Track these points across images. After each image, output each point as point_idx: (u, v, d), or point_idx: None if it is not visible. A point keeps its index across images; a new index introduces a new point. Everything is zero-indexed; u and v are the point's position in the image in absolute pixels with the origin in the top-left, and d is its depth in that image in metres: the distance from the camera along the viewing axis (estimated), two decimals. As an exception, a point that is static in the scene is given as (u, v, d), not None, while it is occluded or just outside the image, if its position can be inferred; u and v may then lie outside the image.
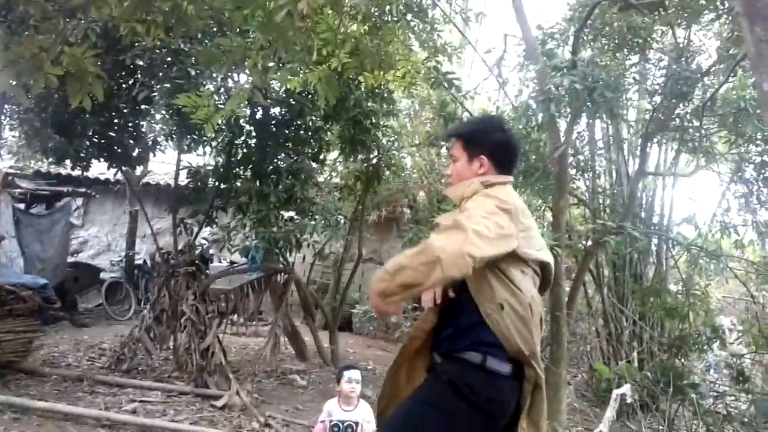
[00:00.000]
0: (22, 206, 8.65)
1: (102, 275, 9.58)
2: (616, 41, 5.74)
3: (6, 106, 5.55)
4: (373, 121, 6.37)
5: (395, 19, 4.51)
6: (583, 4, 5.80)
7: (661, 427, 4.96)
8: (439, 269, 1.64)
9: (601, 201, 8.24)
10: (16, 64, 3.02)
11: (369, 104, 6.17)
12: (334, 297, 8.13)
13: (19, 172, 9.34)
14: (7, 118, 5.75)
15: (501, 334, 1.84)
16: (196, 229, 6.06)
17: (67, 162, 5.75)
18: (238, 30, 4.06)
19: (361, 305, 10.52)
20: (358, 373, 3.79)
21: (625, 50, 5.96)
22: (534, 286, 1.98)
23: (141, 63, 4.93)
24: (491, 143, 2.11)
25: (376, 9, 4.16)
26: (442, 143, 8.27)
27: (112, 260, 10.20)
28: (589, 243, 6.73)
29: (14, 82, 3.28)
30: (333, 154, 7.66)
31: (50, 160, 5.92)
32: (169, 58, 4.92)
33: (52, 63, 3.11)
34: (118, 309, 9.19)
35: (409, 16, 4.86)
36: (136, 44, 4.64)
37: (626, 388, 4.70)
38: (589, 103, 5.12)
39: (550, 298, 5.69)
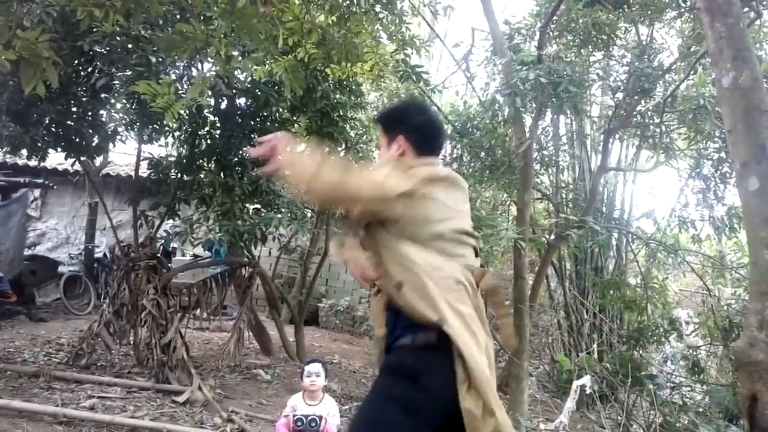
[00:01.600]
0: (-25, 197, 8.36)
1: (60, 269, 9.33)
2: (581, 37, 5.82)
3: None
4: (341, 113, 6.32)
5: (363, 10, 4.47)
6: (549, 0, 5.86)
7: (619, 417, 5.07)
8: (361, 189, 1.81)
9: (564, 195, 8.39)
10: (-35, 48, 2.89)
11: (337, 96, 6.11)
12: (300, 291, 8.07)
13: (-29, 161, 9.02)
14: None
15: (408, 310, 1.84)
16: (157, 222, 5.92)
17: (23, 151, 5.55)
18: (201, 17, 3.97)
19: (327, 299, 10.49)
20: (319, 366, 3.76)
21: (590, 46, 6.05)
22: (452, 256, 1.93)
23: (99, 49, 4.75)
24: (410, 125, 2.11)
25: (343, -1, 4.12)
26: (410, 137, 8.26)
27: (70, 253, 9.93)
28: (552, 237, 6.84)
29: (-38, 68, 3.13)
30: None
31: (5, 149, 5.69)
32: (129, 45, 4.77)
33: (5, 47, 2.99)
34: (77, 303, 8.97)
35: (377, 8, 4.82)
36: (95, 30, 4.48)
37: (586, 379, 4.79)
38: (553, 98, 5.18)
39: (514, 290, 5.76)
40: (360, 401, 5.43)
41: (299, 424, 3.59)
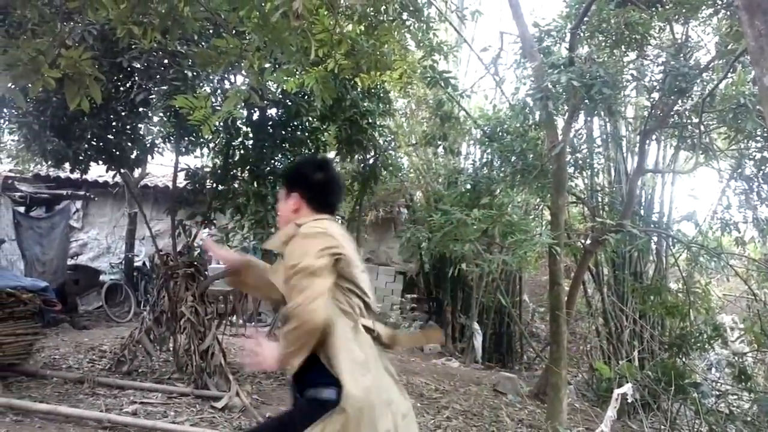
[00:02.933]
0: (22, 209, 8.65)
1: (102, 277, 9.58)
2: (614, 38, 5.73)
3: (5, 110, 5.52)
4: (370, 121, 6.36)
5: (391, 18, 4.50)
6: (579, 0, 5.79)
7: (663, 427, 4.95)
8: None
9: (599, 199, 8.25)
10: (14, 68, 3.01)
11: (365, 104, 6.16)
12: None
13: (18, 175, 9.35)
14: (6, 122, 5.72)
15: None
16: (194, 231, 6.04)
17: (66, 165, 5.73)
18: (233, 31, 4.05)
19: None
20: None
21: (623, 47, 5.94)
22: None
23: (138, 65, 4.90)
24: (306, 182, 2.21)
25: (371, 9, 4.15)
26: (439, 143, 8.27)
27: (111, 262, 10.20)
28: (588, 242, 6.72)
29: (12, 86, 3.26)
30: (330, 155, 7.65)
31: (49, 163, 5.89)
32: (165, 60, 4.90)
33: (50, 66, 3.10)
34: (118, 311, 9.20)
35: (404, 15, 4.85)
36: (133, 47, 4.62)
37: (627, 388, 4.67)
38: (587, 101, 5.11)
39: (549, 297, 5.68)
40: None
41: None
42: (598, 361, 7.18)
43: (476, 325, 10.10)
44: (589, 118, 7.36)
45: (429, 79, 6.04)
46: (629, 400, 4.73)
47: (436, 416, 5.39)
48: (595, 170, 8.27)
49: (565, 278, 6.39)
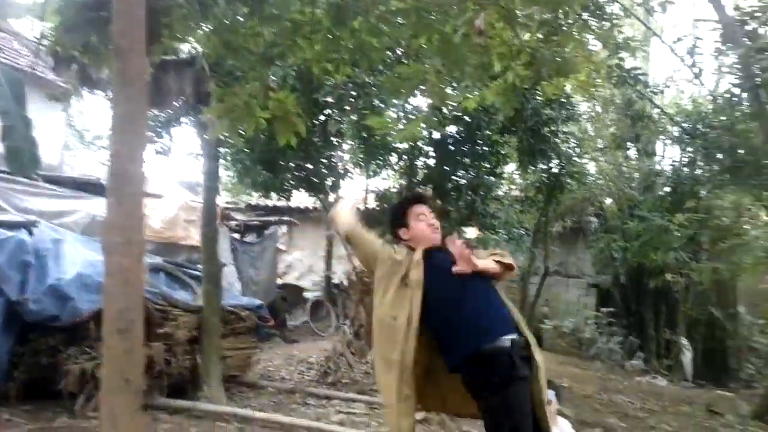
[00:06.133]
0: (237, 236, 9.80)
1: (305, 294, 10.47)
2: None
3: (220, 149, 6.27)
4: (552, 128, 6.18)
5: (570, 21, 4.34)
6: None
7: None
8: None
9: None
10: (231, 113, 3.45)
11: (547, 112, 6.00)
12: (521, 312, 7.93)
13: (233, 206, 10.64)
14: (222, 159, 6.49)
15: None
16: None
17: (273, 194, 6.38)
18: (415, 57, 4.25)
19: (550, 320, 10.14)
20: (552, 393, 3.67)
21: None
22: None
23: (331, 99, 5.36)
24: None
25: (551, 14, 4.05)
26: (630, 144, 7.72)
27: (313, 281, 11.12)
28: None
29: (229, 129, 3.73)
30: (510, 167, 7.56)
31: (259, 193, 6.60)
32: (354, 92, 5.30)
33: (260, 108, 3.52)
34: (321, 325, 9.96)
35: (585, 15, 4.65)
36: (327, 83, 5.07)
37: None
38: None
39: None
40: (595, 427, 5.13)
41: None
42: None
43: (684, 341, 9.16)
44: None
45: (616, 78, 5.71)
46: None
47: (644, 438, 4.98)
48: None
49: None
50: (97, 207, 5.61)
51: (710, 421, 5.85)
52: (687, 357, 9.07)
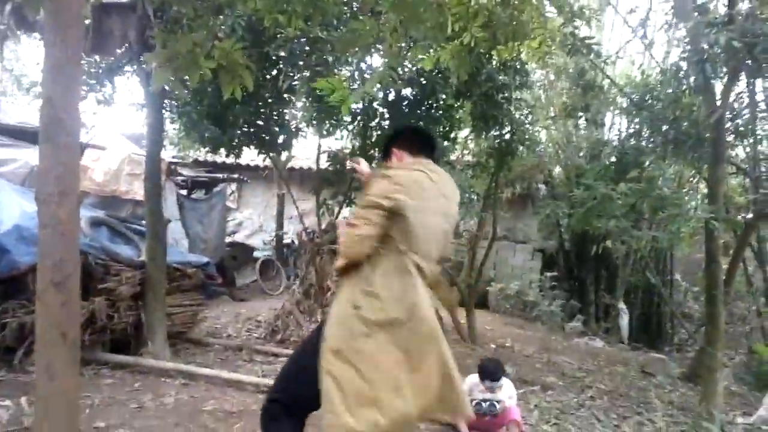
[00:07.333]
0: (184, 192, 9.56)
1: (255, 254, 10.42)
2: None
3: (165, 101, 5.99)
4: (506, 94, 6.20)
5: (528, -15, 4.32)
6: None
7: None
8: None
9: (763, 169, 7.37)
10: (174, 61, 3.29)
11: (501, 77, 6.01)
12: (469, 274, 8.12)
13: (180, 161, 10.32)
14: (168, 112, 6.20)
15: None
16: (337, 209, 6.35)
17: (222, 150, 6.23)
18: (370, 13, 4.16)
19: (496, 283, 10.43)
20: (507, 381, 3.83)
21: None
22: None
23: (283, 54, 5.21)
24: (393, 137, 2.71)
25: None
26: (581, 114, 7.85)
27: (263, 240, 11.06)
28: (750, 216, 6.10)
29: (173, 78, 3.57)
30: (464, 132, 7.59)
31: (207, 149, 6.42)
32: (307, 47, 5.16)
33: (205, 58, 3.37)
34: (271, 284, 9.96)
35: (543, -19, 4.63)
36: (278, 35, 4.91)
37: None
38: (749, 61, 4.60)
39: (705, 276, 5.28)
40: (534, 385, 5.36)
41: (479, 408, 3.64)
42: (758, 343, 6.59)
43: (622, 305, 9.62)
44: (751, 81, 6.59)
45: (570, 46, 5.75)
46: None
47: (579, 395, 5.23)
48: (758, 137, 7.39)
49: (723, 255, 5.84)
50: (36, 157, 5.34)
51: (643, 381, 6.20)
52: (624, 321, 9.53)
